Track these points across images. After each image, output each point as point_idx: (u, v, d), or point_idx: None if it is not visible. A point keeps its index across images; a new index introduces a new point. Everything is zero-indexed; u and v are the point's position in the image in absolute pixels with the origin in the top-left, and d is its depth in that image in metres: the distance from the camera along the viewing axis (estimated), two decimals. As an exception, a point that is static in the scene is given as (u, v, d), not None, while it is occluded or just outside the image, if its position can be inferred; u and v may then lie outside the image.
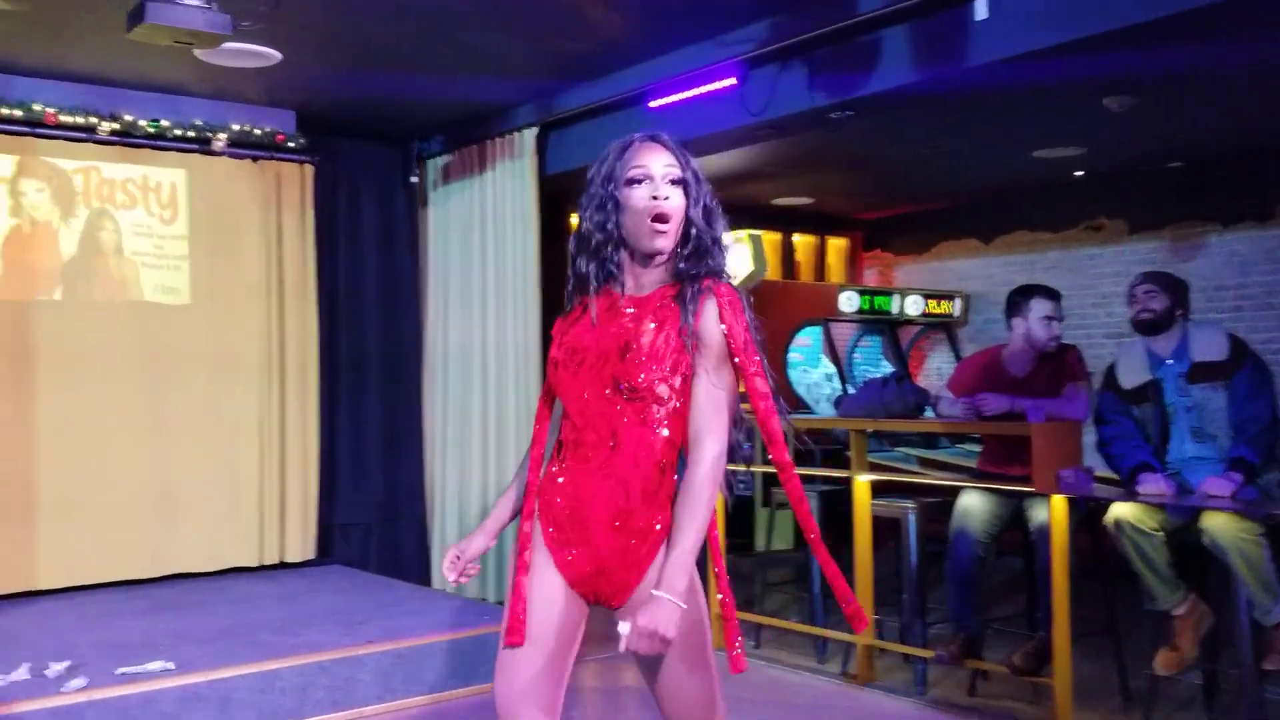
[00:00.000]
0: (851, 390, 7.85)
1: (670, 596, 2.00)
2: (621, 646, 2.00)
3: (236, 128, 5.90)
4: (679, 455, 2.15)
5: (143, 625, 4.74)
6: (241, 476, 5.95)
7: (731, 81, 4.90)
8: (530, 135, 5.84)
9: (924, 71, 4.30)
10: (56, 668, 3.93)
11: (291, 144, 6.08)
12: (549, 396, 2.29)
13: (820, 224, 9.45)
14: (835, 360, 8.27)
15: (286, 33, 4.59)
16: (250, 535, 5.93)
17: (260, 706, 3.98)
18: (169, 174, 5.83)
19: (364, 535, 6.49)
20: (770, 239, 8.97)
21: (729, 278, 2.18)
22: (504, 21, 4.68)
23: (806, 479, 5.95)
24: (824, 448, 7.45)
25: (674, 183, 2.16)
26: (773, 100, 4.86)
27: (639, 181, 2.15)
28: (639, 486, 2.10)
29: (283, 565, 6.03)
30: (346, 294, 6.51)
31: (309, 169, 6.21)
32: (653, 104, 5.27)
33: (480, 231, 6.19)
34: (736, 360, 2.09)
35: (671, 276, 2.17)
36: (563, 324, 2.24)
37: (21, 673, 3.89)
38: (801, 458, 7.46)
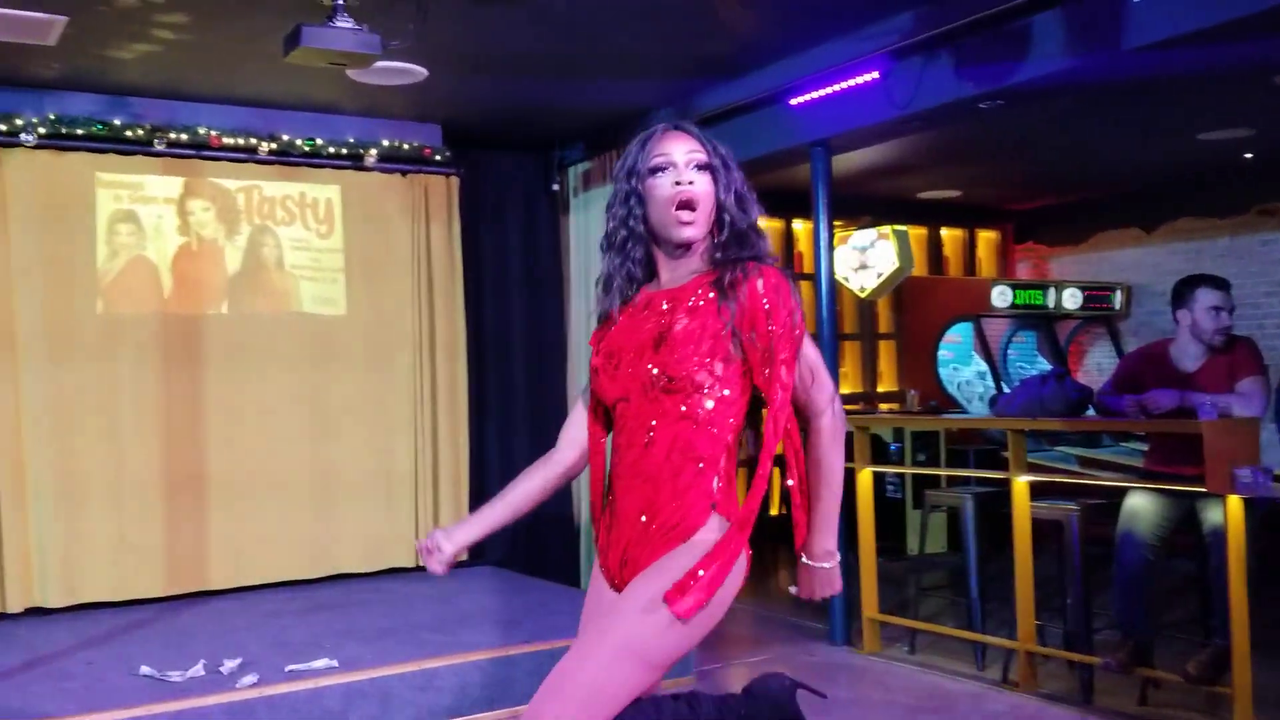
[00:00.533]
0: (1006, 388, 7.61)
1: (821, 564, 2.11)
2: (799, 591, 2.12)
3: (386, 143, 6.09)
4: (734, 447, 2.05)
5: (307, 624, 4.93)
6: (397, 481, 6.14)
7: (875, 75, 4.81)
8: (670, 138, 5.84)
9: (1078, 58, 4.13)
10: (230, 665, 4.12)
11: (438, 157, 6.25)
12: (597, 409, 2.17)
13: (969, 217, 9.20)
14: (988, 357, 8.03)
15: (432, 49, 4.71)
16: (406, 537, 6.11)
17: (419, 704, 4.09)
18: (324, 190, 6.06)
19: (512, 537, 6.60)
20: (916, 234, 8.78)
21: (775, 261, 2.07)
22: (643, 24, 4.70)
23: (960, 480, 5.80)
24: (977, 448, 7.26)
25: (700, 168, 2.06)
26: (919, 92, 4.74)
27: (662, 170, 2.05)
28: (669, 485, 1.99)
29: (438, 566, 6.17)
30: (492, 301, 6.65)
31: (454, 180, 6.37)
32: (794, 101, 5.21)
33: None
34: (772, 342, 1.96)
35: (709, 265, 2.07)
36: (599, 333, 2.15)
37: (198, 669, 4.09)
38: (956, 458, 7.30)
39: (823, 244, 5.44)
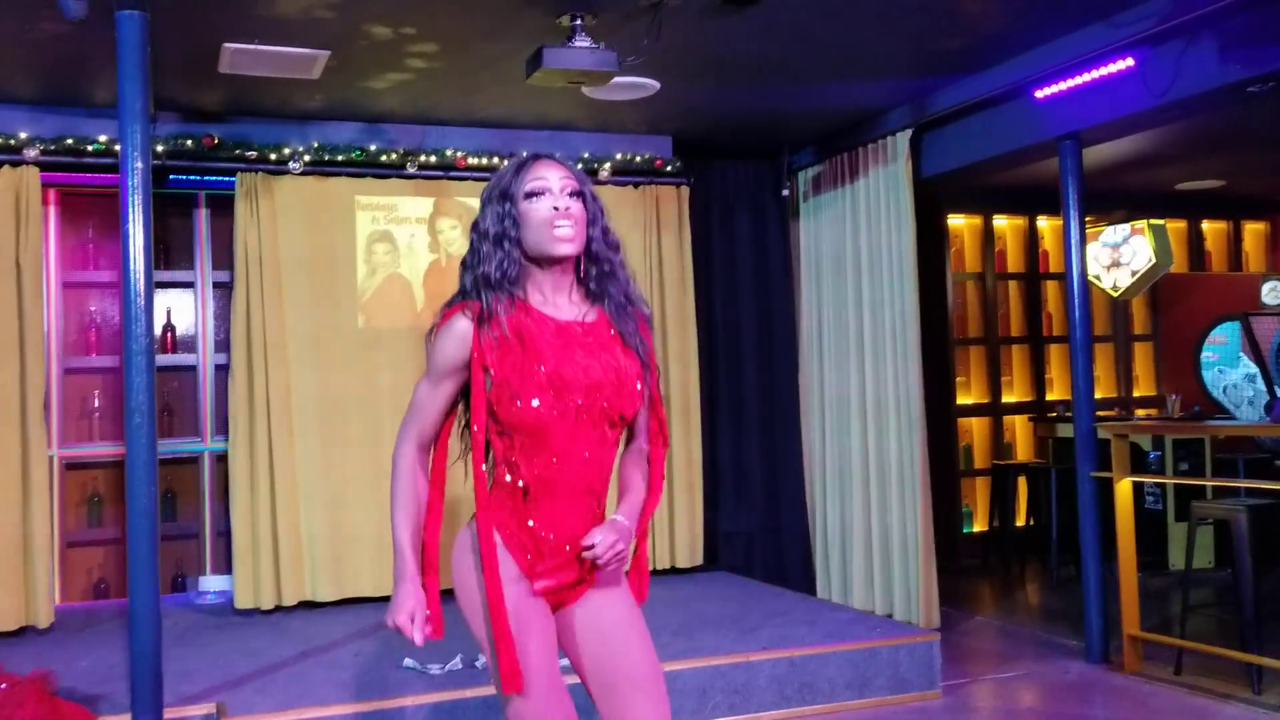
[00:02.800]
0: None
1: (629, 521, 2.20)
2: (593, 554, 2.11)
3: (619, 156, 6.24)
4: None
5: (553, 625, 5.08)
6: (634, 486, 6.24)
7: (1129, 63, 4.54)
8: (904, 138, 5.72)
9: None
10: (484, 660, 4.30)
11: (669, 168, 6.35)
12: (432, 425, 2.23)
13: (1234, 208, 8.56)
14: (1258, 359, 7.42)
15: (664, 61, 4.79)
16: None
17: (701, 697, 4.15)
18: (562, 204, 6.25)
19: (747, 544, 6.62)
20: (1175, 228, 8.24)
21: (645, 303, 2.31)
22: (875, 24, 4.62)
23: (1229, 490, 5.38)
24: (1248, 457, 6.72)
25: (573, 195, 2.18)
26: (1178, 79, 4.45)
27: (539, 194, 2.17)
28: (601, 498, 2.23)
29: (674, 570, 6.26)
30: (723, 305, 6.69)
31: (684, 190, 6.45)
32: (1039, 94, 4.99)
33: (853, 238, 6.14)
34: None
35: (589, 299, 2.24)
36: (494, 342, 2.12)
37: (456, 663, 4.30)
38: (1223, 467, 6.79)
39: (1073, 241, 5.18)
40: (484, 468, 2.21)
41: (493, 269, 2.16)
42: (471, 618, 2.20)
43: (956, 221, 8.09)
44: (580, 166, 6.13)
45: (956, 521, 7.74)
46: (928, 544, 5.60)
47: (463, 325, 2.14)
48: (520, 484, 2.16)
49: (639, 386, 2.22)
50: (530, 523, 2.17)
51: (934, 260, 7.57)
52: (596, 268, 2.23)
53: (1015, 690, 4.79)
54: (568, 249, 2.15)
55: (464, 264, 2.23)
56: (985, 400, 8.09)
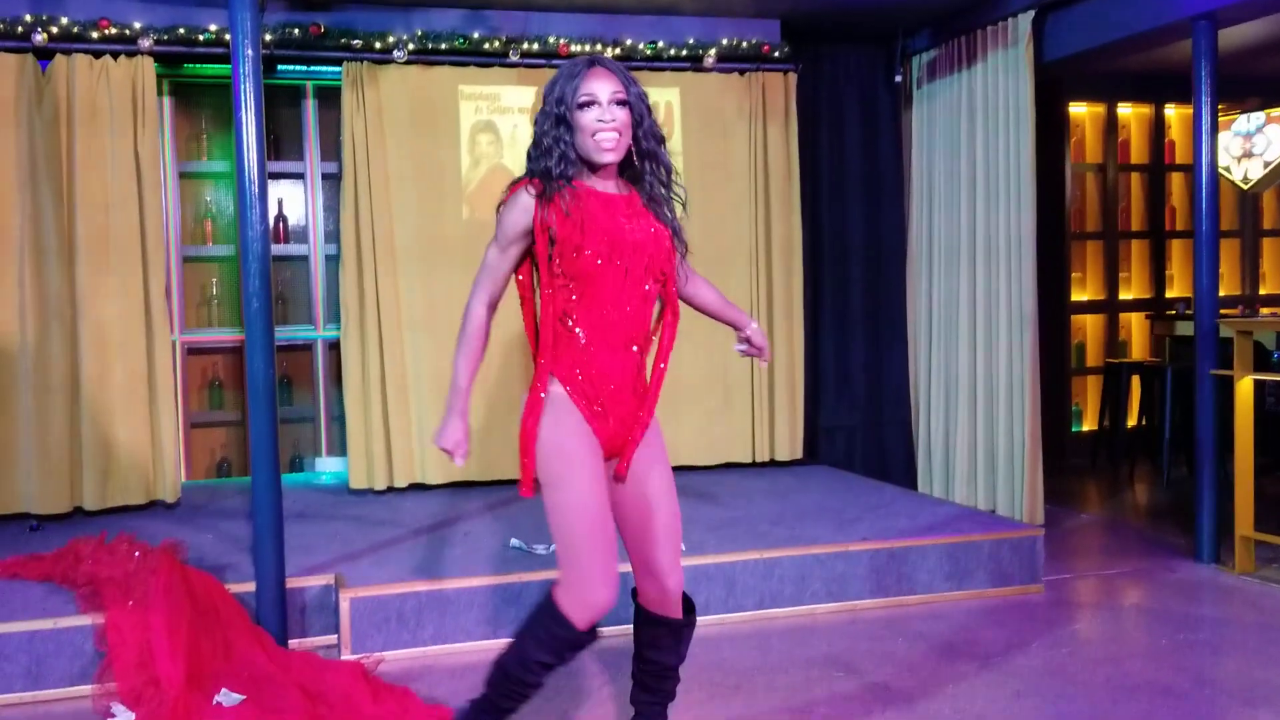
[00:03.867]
0: None
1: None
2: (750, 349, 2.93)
3: (725, 42, 6.09)
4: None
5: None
6: (734, 378, 6.25)
7: (1272, -70, 4.24)
8: (1026, 20, 5.46)
9: None
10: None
11: (776, 53, 6.18)
12: (500, 284, 2.61)
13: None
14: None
15: (774, -61, 4.63)
16: (743, 433, 6.24)
17: (762, 591, 4.22)
18: (664, 93, 6.16)
19: (848, 438, 6.59)
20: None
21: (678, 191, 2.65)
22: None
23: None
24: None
25: (619, 104, 2.49)
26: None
27: (587, 106, 2.48)
28: (642, 354, 2.59)
29: (773, 463, 6.29)
30: (830, 198, 6.56)
31: (792, 77, 6.28)
32: (1171, -32, 4.71)
33: (968, 127, 5.93)
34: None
35: (630, 182, 2.59)
36: (555, 209, 2.46)
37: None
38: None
39: (1204, 130, 4.93)
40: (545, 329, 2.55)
41: (553, 163, 2.49)
42: (541, 464, 2.52)
43: (1078, 110, 7.75)
44: (684, 53, 6.03)
45: (1065, 420, 7.59)
46: (1034, 443, 5.51)
47: (525, 199, 2.49)
48: (579, 332, 2.51)
49: (671, 248, 2.60)
50: (591, 373, 2.51)
51: (1052, 151, 7.29)
52: (641, 160, 2.57)
53: (1120, 586, 4.73)
54: (610, 157, 2.50)
55: (529, 154, 2.56)
56: (1101, 297, 7.84)
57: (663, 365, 2.64)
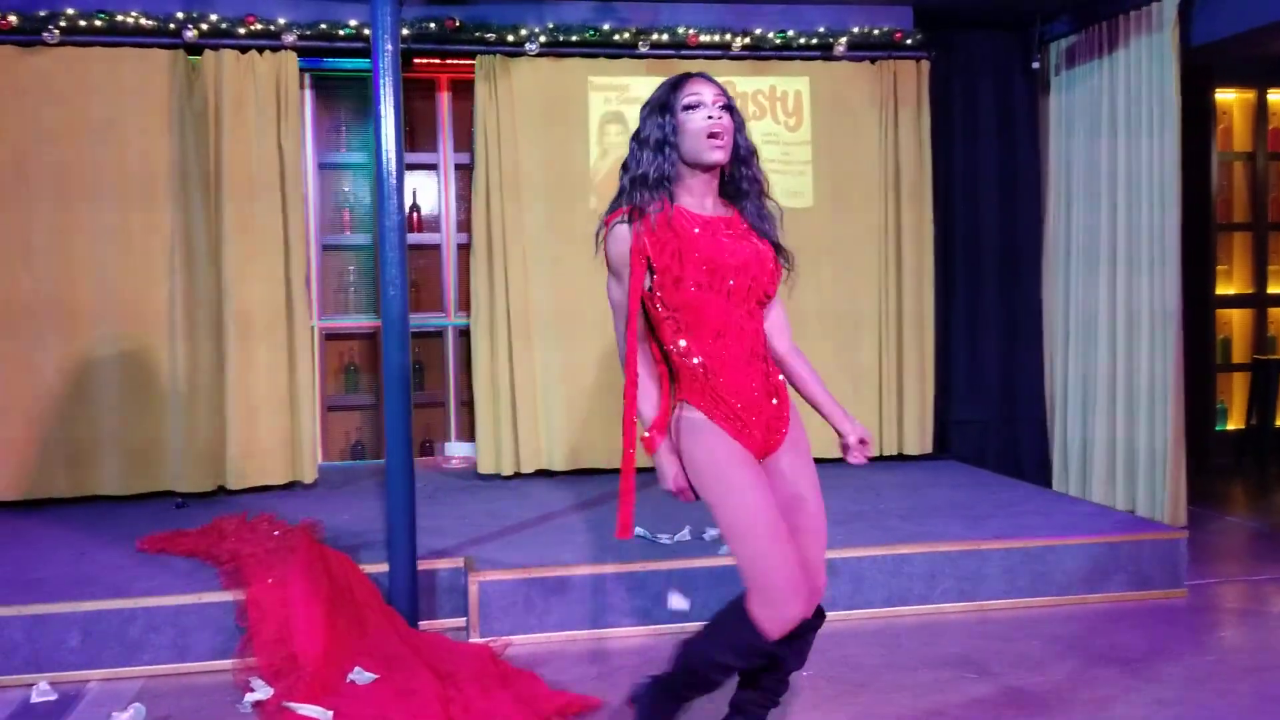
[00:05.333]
0: None
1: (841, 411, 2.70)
2: (860, 456, 2.69)
3: (856, 30, 6.00)
4: None
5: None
6: (863, 369, 6.17)
7: None
8: (1171, 4, 5.22)
9: None
10: (712, 532, 4.40)
11: (908, 41, 6.06)
12: (636, 318, 2.51)
13: None
14: None
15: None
16: (870, 426, 6.14)
17: (890, 588, 4.16)
18: (793, 82, 6.11)
19: (980, 433, 6.42)
20: None
21: (776, 205, 2.64)
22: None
23: None
24: None
25: (724, 108, 2.50)
26: None
27: (694, 107, 2.48)
28: (769, 362, 2.58)
29: (901, 457, 6.19)
30: (962, 189, 6.38)
31: (924, 65, 6.15)
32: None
33: (1110, 116, 5.71)
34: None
35: (729, 201, 2.58)
36: (653, 238, 2.45)
37: (684, 534, 4.42)
38: None
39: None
40: (665, 365, 2.57)
41: (651, 170, 2.48)
42: (702, 488, 2.53)
43: (1225, 96, 7.40)
44: (815, 41, 5.97)
45: (1210, 419, 7.26)
46: (1178, 442, 5.27)
47: (622, 229, 2.49)
48: (696, 360, 2.50)
49: (775, 268, 2.57)
50: (721, 395, 2.49)
51: (1198, 138, 6.98)
52: (739, 170, 2.56)
53: (1267, 593, 4.52)
54: (720, 155, 2.48)
55: (624, 168, 2.56)
56: (1249, 290, 7.48)
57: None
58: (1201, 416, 7.04)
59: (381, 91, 3.85)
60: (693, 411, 2.51)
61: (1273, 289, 7.52)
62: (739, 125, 2.55)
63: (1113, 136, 5.68)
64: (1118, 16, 5.60)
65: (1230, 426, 7.45)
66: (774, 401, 2.56)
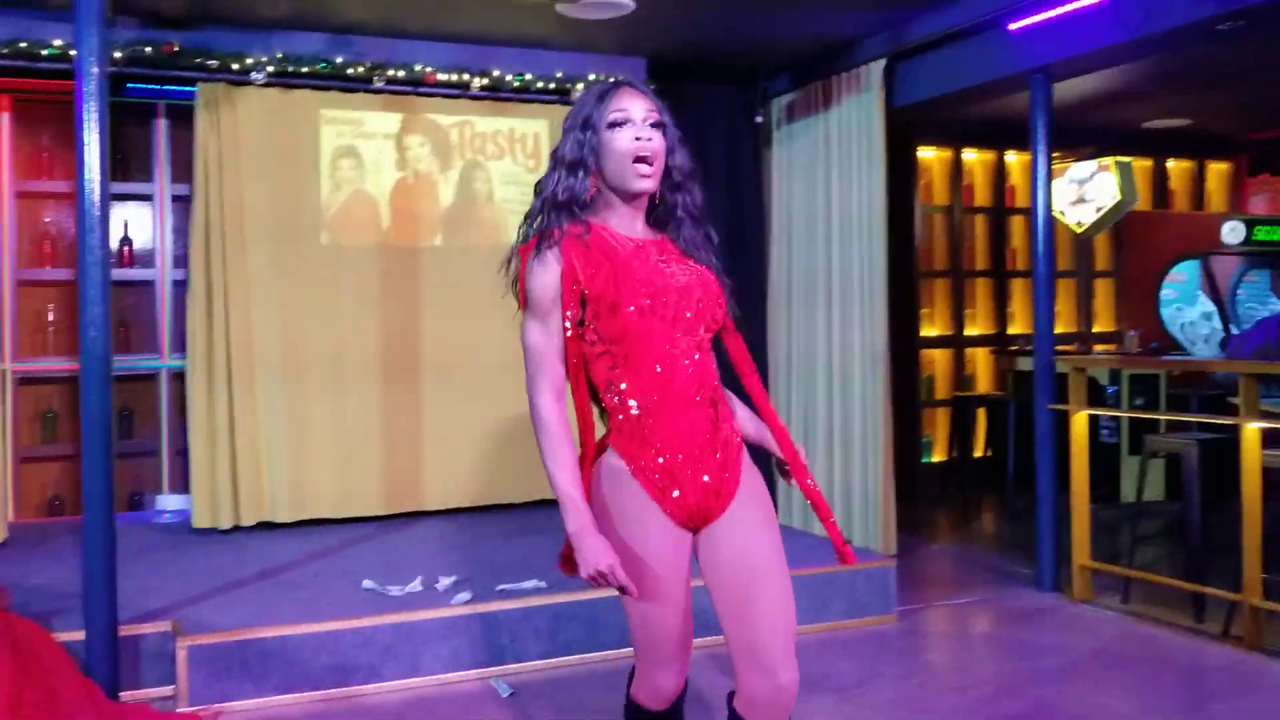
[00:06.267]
0: (1235, 330, 7.12)
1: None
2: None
3: (592, 77, 6.11)
4: None
5: (511, 546, 5.09)
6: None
7: (1104, -5, 4.51)
8: (878, 68, 5.66)
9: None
10: (445, 581, 4.31)
11: (641, 90, 6.24)
12: (558, 367, 2.15)
13: (1199, 147, 8.60)
14: (1215, 298, 7.52)
15: (639, -21, 4.68)
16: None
17: (625, 627, 4.19)
18: (532, 125, 6.16)
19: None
20: (1140, 165, 8.29)
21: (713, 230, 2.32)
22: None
23: (1181, 425, 5.47)
24: (1200, 393, 6.84)
25: (655, 126, 2.17)
26: (1150, 13, 4.43)
27: (620, 125, 2.15)
28: (720, 407, 2.22)
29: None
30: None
31: (657, 114, 6.35)
32: (1012, 26, 4.95)
33: (825, 168, 6.10)
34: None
35: (660, 224, 2.27)
36: (584, 260, 2.12)
37: (415, 585, 4.32)
38: (1176, 403, 6.90)
39: (1040, 177, 5.19)
40: (595, 412, 2.20)
41: (561, 192, 2.16)
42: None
43: (926, 154, 8.06)
44: (554, 85, 6.04)
45: (916, 452, 7.83)
46: (888, 475, 5.65)
47: (548, 255, 2.13)
48: (631, 403, 2.14)
49: (719, 290, 2.26)
50: (656, 447, 2.13)
51: (903, 191, 7.56)
52: (674, 196, 2.26)
53: (968, 615, 4.89)
54: (648, 184, 2.18)
55: (536, 189, 2.24)
56: (948, 332, 8.15)
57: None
58: (909, 450, 7.58)
59: (86, 117, 3.59)
60: (617, 460, 2.14)
61: (969, 331, 8.22)
62: (671, 145, 2.21)
63: (827, 187, 6.06)
64: (831, 77, 6.00)
65: (935, 459, 8.06)
66: (718, 456, 2.17)
